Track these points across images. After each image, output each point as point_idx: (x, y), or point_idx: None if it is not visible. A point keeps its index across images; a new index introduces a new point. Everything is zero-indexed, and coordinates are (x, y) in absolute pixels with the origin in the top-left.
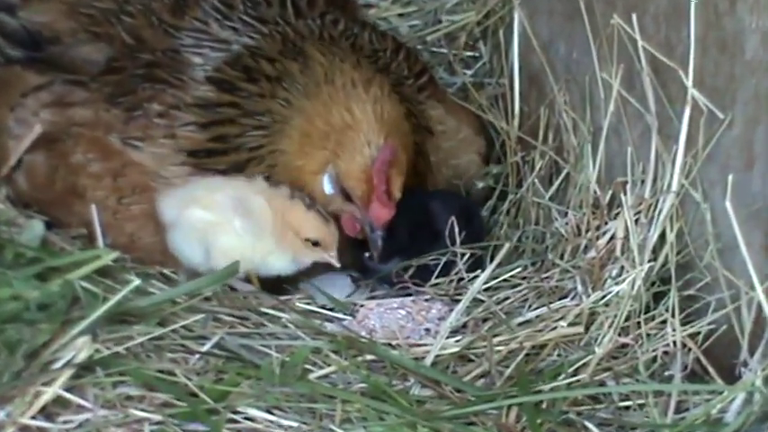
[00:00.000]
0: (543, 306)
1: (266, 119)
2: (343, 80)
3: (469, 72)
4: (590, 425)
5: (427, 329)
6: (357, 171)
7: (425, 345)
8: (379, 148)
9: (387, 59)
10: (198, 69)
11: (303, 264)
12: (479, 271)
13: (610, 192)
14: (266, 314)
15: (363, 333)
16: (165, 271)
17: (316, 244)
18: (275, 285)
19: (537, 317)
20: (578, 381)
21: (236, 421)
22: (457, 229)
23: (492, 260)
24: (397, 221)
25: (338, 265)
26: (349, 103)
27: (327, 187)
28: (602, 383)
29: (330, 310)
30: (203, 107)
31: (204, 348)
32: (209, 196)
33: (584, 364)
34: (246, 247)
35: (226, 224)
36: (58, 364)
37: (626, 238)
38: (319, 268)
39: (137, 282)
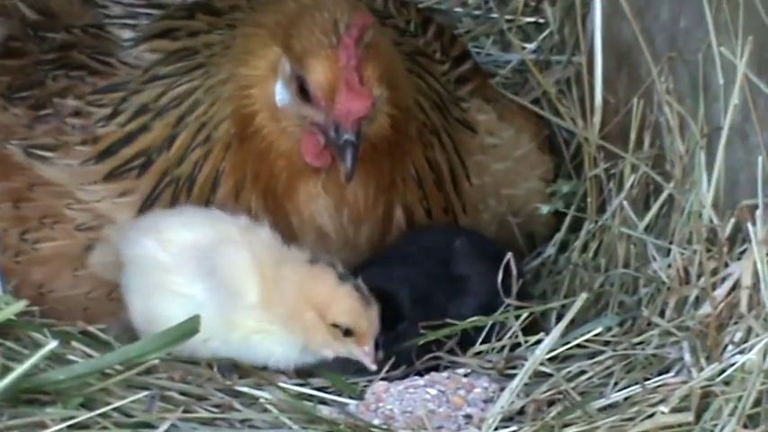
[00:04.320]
0: (636, 384)
1: (205, 52)
2: None
3: (530, 46)
4: None
5: (468, 416)
6: (318, 49)
7: None
8: (347, 26)
9: (410, 34)
10: (130, 48)
11: (319, 356)
12: (542, 334)
13: (732, 220)
14: (237, 393)
15: (376, 421)
16: (92, 329)
17: (348, 333)
18: None
19: (626, 399)
20: None
21: None
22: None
23: (561, 318)
24: (393, 262)
25: (374, 367)
26: None
27: (281, 94)
28: None
29: (327, 391)
30: (130, 68)
31: None
32: (169, 230)
33: None
34: (213, 322)
35: (181, 280)
36: None
37: (755, 286)
38: None
39: (52, 344)
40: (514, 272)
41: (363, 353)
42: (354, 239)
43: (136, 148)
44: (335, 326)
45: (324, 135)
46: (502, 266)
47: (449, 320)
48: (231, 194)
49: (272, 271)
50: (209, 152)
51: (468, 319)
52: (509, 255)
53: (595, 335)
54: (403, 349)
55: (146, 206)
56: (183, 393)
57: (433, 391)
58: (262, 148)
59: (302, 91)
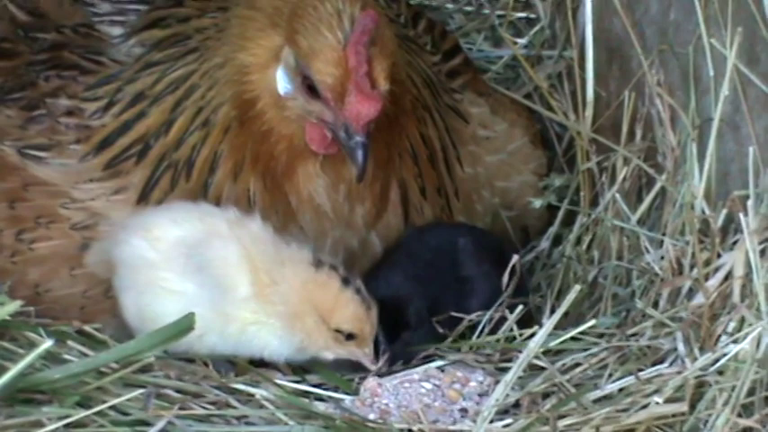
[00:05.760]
0: (629, 375)
1: (197, 36)
2: None
3: (522, 41)
4: None
5: (464, 410)
6: (326, 49)
7: (462, 431)
8: (354, 20)
9: (400, 25)
10: (120, 44)
11: (318, 357)
12: (536, 327)
13: (724, 211)
14: (233, 390)
15: (372, 416)
16: (87, 328)
17: (350, 337)
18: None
19: (621, 390)
20: None
21: None
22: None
23: (554, 311)
24: (404, 265)
25: (373, 368)
26: None
27: (282, 83)
28: None
29: (323, 387)
30: (121, 65)
31: None
32: (157, 227)
33: None
34: (207, 316)
35: (171, 277)
36: None
37: (747, 276)
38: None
39: (47, 343)
40: (518, 272)
41: (364, 354)
42: (350, 217)
43: (133, 136)
44: (338, 331)
45: (332, 132)
46: (508, 269)
47: (453, 314)
48: (230, 176)
49: (265, 264)
50: (207, 135)
51: (469, 316)
52: (515, 258)
53: (589, 327)
54: (409, 355)
55: (145, 193)
56: (178, 391)
57: (428, 386)
58: (263, 131)
59: (308, 86)
